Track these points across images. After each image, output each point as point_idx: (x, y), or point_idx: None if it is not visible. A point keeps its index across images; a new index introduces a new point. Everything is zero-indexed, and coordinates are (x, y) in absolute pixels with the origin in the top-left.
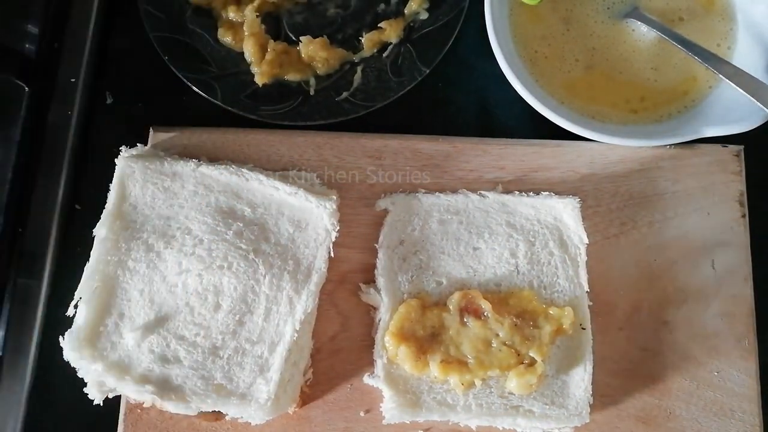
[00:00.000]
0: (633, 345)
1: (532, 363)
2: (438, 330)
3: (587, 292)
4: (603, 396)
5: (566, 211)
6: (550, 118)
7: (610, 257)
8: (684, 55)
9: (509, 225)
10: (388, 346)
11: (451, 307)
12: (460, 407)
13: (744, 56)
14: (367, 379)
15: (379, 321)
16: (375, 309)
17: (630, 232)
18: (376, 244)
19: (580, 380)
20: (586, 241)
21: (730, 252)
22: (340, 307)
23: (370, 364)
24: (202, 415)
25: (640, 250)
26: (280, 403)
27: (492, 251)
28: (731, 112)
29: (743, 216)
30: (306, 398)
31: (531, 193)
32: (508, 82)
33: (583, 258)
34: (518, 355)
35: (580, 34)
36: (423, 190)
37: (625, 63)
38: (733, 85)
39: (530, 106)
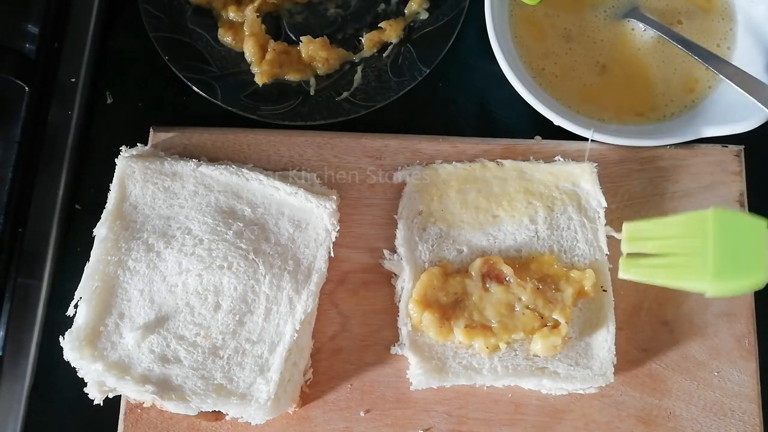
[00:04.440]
0: (633, 345)
1: (556, 325)
2: (461, 296)
3: (607, 255)
4: (603, 396)
5: (584, 176)
6: (550, 118)
7: (610, 257)
8: (684, 55)
9: (528, 192)
10: (412, 314)
11: (473, 273)
12: (486, 370)
13: (744, 56)
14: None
15: (402, 290)
16: (396, 276)
17: None
18: (377, 244)
19: (603, 341)
20: (605, 204)
21: None
22: (340, 307)
23: (371, 363)
24: (202, 415)
25: None
26: (280, 403)
27: (511, 218)
28: (731, 112)
29: None
30: (306, 398)
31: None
32: (508, 82)
33: (602, 221)
34: (542, 317)
35: (582, 45)
36: (440, 160)
37: (626, 64)
38: (733, 85)
39: (530, 105)
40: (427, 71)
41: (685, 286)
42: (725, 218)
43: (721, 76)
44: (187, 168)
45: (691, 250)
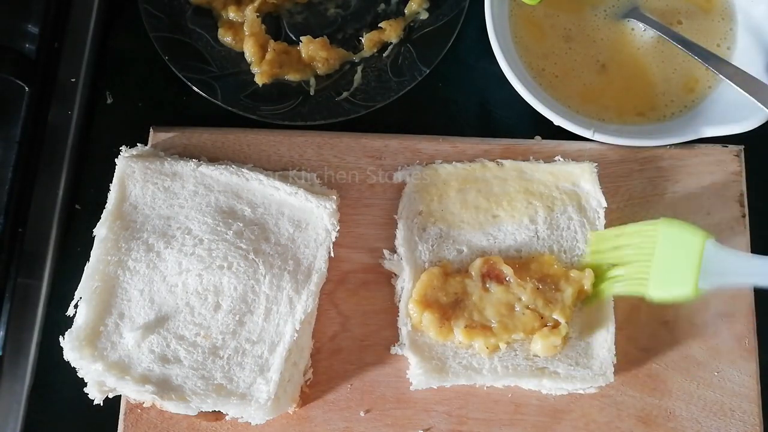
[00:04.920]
0: (633, 345)
1: (556, 325)
2: (461, 296)
3: None
4: (603, 396)
5: (583, 176)
6: (550, 118)
7: None
8: (684, 55)
9: (528, 192)
10: (412, 314)
11: (473, 273)
12: (486, 370)
13: (744, 56)
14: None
15: (402, 290)
16: (396, 276)
17: None
18: (377, 244)
19: (603, 341)
20: (605, 204)
21: None
22: (340, 307)
23: (371, 363)
24: (202, 415)
25: None
26: (280, 403)
27: (511, 218)
28: (731, 112)
29: (743, 216)
30: (306, 398)
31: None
32: (508, 82)
33: (602, 222)
34: (542, 317)
35: (582, 45)
36: (440, 160)
37: (625, 64)
38: (733, 85)
39: (530, 105)
40: (427, 71)
41: (631, 292)
42: (670, 229)
43: (721, 76)
44: (187, 168)
45: (641, 258)
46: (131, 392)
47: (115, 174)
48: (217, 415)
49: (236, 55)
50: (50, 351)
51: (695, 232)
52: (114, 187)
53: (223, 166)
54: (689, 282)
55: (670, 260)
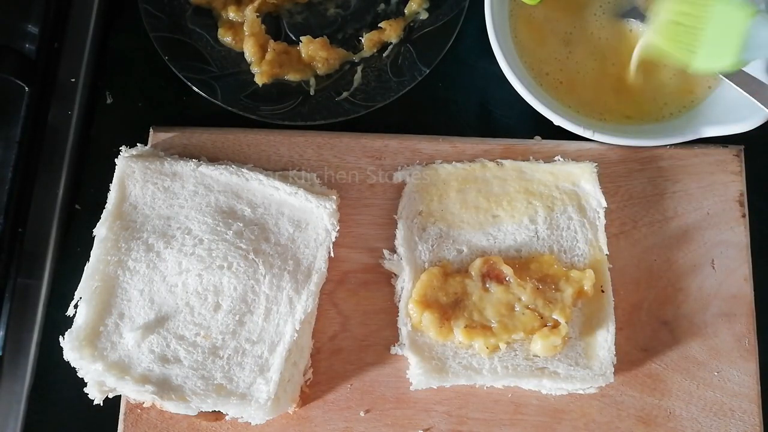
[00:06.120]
0: (633, 345)
1: (556, 325)
2: (461, 296)
3: (606, 255)
4: (603, 396)
5: (583, 176)
6: (550, 118)
7: (610, 257)
8: None
9: (527, 192)
10: (412, 314)
11: (473, 273)
12: (486, 370)
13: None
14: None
15: (402, 290)
16: (396, 276)
17: (630, 232)
18: (377, 244)
19: (603, 341)
20: (605, 204)
21: (730, 252)
22: (340, 307)
23: (371, 363)
24: (202, 415)
25: (640, 250)
26: (280, 403)
27: (511, 218)
28: (731, 112)
29: (743, 216)
30: (306, 398)
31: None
32: (508, 82)
33: (601, 222)
34: (541, 317)
35: (582, 45)
36: (440, 160)
37: (625, 64)
38: (733, 85)
39: (530, 105)
40: (427, 71)
41: (679, 55)
42: (721, 4)
43: (721, 76)
44: (187, 168)
45: (696, 24)
46: (131, 392)
47: (115, 174)
48: (217, 415)
49: (236, 55)
50: (50, 351)
51: (742, 6)
52: (114, 187)
53: (223, 166)
54: (732, 53)
55: (717, 33)
